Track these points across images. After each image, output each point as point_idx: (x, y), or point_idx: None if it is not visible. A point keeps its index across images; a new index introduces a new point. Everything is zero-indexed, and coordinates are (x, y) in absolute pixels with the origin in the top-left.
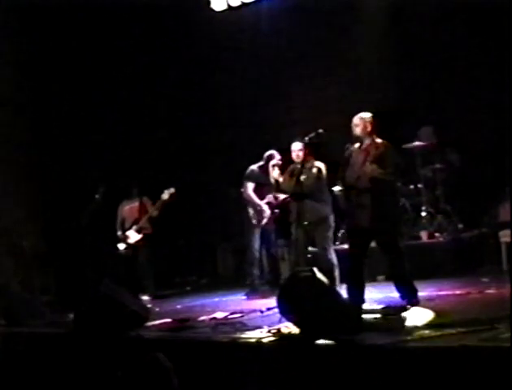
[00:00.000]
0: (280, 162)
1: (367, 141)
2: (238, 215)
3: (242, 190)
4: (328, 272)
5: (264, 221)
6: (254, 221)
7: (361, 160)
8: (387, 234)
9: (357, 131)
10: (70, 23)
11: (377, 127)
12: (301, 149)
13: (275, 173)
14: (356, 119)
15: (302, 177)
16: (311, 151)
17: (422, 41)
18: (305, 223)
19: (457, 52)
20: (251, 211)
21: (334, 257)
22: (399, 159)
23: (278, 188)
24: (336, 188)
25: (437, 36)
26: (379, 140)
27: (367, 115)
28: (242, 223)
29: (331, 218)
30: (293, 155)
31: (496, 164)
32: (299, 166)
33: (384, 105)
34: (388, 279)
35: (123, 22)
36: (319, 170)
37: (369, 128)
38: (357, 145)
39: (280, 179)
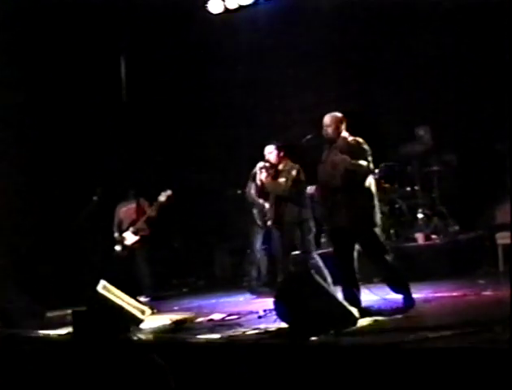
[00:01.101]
0: (268, 165)
1: (339, 141)
2: (236, 216)
3: (246, 190)
4: (319, 275)
5: (268, 223)
6: (259, 222)
7: (331, 158)
8: (364, 233)
9: (329, 131)
10: (67, 23)
11: (348, 126)
12: (271, 152)
13: (262, 176)
14: (327, 119)
15: (281, 179)
16: (287, 153)
17: (421, 41)
18: (286, 225)
19: (456, 51)
20: (255, 212)
21: (318, 260)
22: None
23: (263, 190)
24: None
25: (436, 36)
26: (350, 138)
27: (338, 115)
28: (245, 223)
29: (311, 222)
30: (267, 158)
31: (493, 166)
32: (274, 168)
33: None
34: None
35: (119, 25)
36: (298, 172)
37: (341, 128)
38: (328, 144)
39: (265, 183)
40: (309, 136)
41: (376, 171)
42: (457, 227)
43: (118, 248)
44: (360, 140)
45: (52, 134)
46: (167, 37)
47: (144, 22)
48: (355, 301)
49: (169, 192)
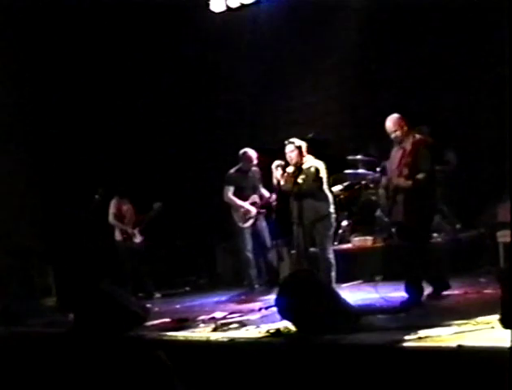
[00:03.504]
0: (283, 163)
1: (406, 140)
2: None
3: (223, 193)
4: (326, 272)
5: (250, 222)
6: (241, 223)
7: (397, 159)
8: (415, 232)
9: (397, 134)
10: (68, 21)
11: (408, 123)
12: (292, 151)
13: (278, 174)
14: (390, 124)
15: (301, 177)
16: (308, 151)
17: (420, 40)
18: (306, 222)
19: (456, 51)
20: (235, 214)
21: (332, 257)
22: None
23: (280, 188)
24: (336, 188)
25: (436, 36)
26: (417, 137)
27: (397, 116)
28: (231, 227)
29: (332, 217)
30: (286, 157)
31: (494, 164)
32: (296, 166)
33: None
34: (385, 279)
35: (120, 25)
36: (317, 169)
37: (404, 128)
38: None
39: (282, 181)
40: (311, 134)
41: (378, 169)
42: (458, 226)
43: (129, 243)
44: (424, 141)
45: (53, 133)
46: (168, 36)
47: (146, 21)
48: (413, 298)
49: (159, 203)
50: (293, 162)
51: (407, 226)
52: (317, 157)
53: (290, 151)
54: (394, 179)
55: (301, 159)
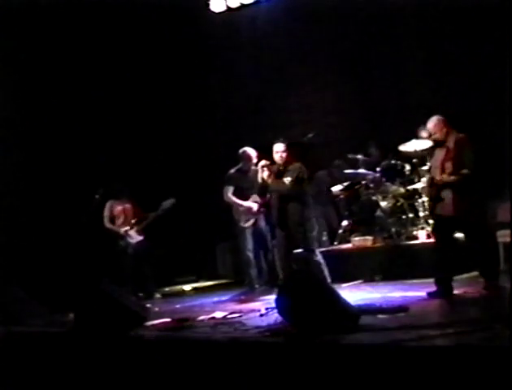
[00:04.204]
0: (269, 163)
1: (448, 139)
2: None
3: (223, 193)
4: (318, 273)
5: (251, 221)
6: (242, 223)
7: (441, 157)
8: (472, 222)
9: (437, 136)
10: (66, 24)
11: (449, 123)
12: (284, 150)
13: (264, 174)
14: (431, 126)
15: (286, 179)
16: (295, 153)
17: (422, 38)
18: (289, 224)
19: (458, 49)
20: (236, 214)
21: (320, 258)
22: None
23: (266, 189)
24: (336, 188)
25: (438, 34)
26: (459, 135)
27: (440, 117)
28: (232, 226)
29: (314, 220)
30: (276, 156)
31: (495, 164)
32: (282, 167)
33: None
34: (385, 278)
35: (121, 25)
36: (301, 172)
37: (444, 129)
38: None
39: (268, 181)
40: (310, 135)
41: (378, 169)
42: None
43: (124, 243)
44: (465, 140)
45: (53, 133)
46: (168, 36)
47: (146, 21)
48: (445, 293)
49: (172, 200)
50: (280, 161)
51: (457, 219)
52: (312, 158)
53: (281, 150)
54: (438, 176)
55: (287, 160)
